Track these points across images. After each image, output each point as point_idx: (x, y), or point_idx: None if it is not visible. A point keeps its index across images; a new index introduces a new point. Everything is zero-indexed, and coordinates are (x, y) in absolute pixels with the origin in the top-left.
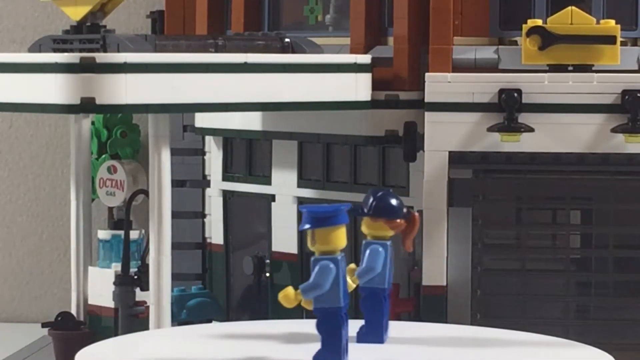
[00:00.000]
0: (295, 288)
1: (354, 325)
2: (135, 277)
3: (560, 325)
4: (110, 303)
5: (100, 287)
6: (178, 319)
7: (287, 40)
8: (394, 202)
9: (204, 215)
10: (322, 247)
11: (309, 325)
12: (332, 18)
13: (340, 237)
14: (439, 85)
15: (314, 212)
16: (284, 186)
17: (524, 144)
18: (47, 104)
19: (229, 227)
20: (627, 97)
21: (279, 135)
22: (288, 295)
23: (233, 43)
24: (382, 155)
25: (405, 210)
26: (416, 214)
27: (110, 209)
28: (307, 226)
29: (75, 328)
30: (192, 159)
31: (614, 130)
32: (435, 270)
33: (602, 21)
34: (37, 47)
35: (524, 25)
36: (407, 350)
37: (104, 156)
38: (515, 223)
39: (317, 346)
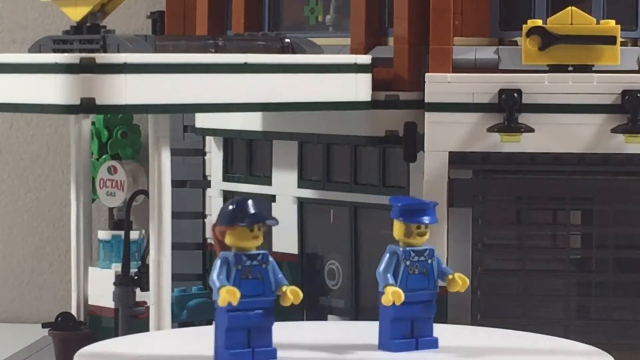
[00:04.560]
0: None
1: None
2: (136, 277)
3: (561, 325)
4: (110, 303)
5: (101, 287)
6: (178, 320)
7: (287, 40)
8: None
9: (204, 216)
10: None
11: (309, 326)
12: (332, 18)
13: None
14: (439, 85)
15: None
16: (285, 186)
17: (524, 144)
18: (47, 105)
19: None
20: (627, 97)
21: (279, 135)
22: None
23: (233, 43)
24: (382, 155)
25: None
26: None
27: (111, 210)
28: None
29: (75, 328)
30: (192, 160)
31: (614, 130)
32: None
33: (602, 21)
34: (37, 48)
35: (524, 26)
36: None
37: (104, 156)
38: (516, 223)
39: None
